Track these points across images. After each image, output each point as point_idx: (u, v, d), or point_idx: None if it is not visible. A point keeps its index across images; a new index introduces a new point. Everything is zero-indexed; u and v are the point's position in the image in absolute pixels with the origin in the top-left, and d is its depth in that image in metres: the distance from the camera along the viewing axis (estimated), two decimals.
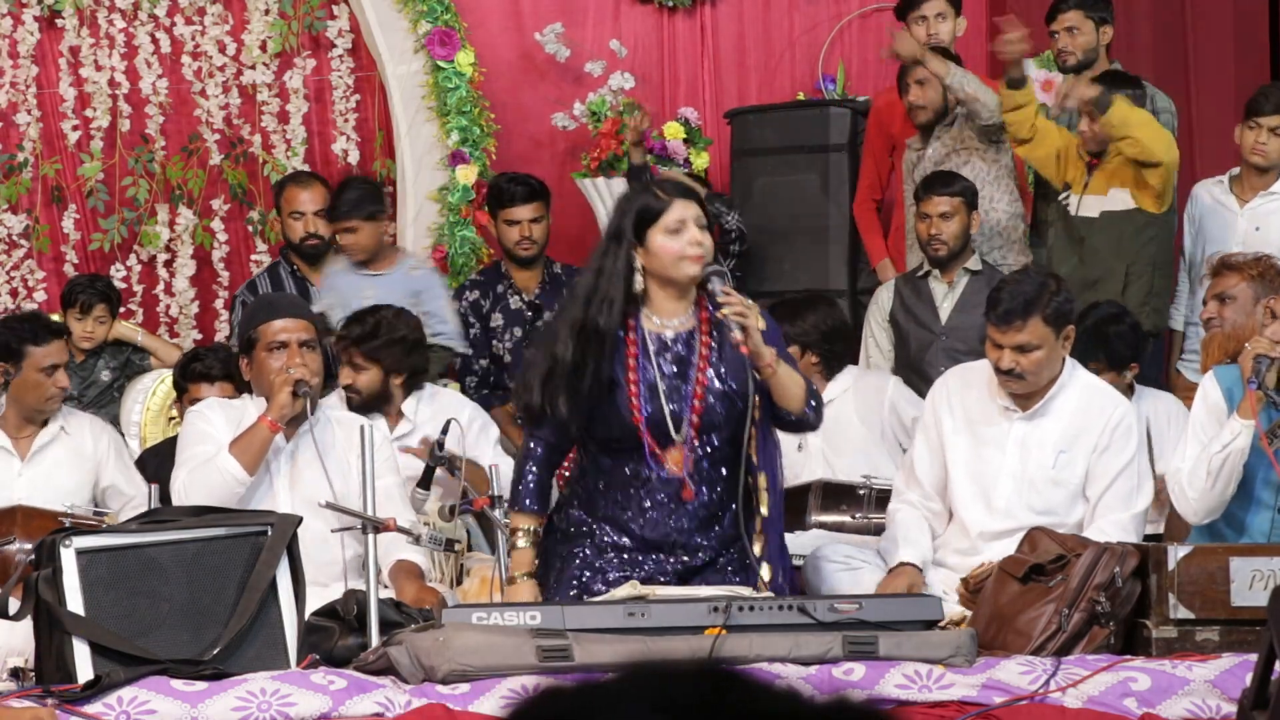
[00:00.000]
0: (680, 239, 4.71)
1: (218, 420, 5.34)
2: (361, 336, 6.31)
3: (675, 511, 4.81)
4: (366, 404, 6.26)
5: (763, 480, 4.82)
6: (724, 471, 4.83)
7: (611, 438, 4.81)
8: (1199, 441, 5.13)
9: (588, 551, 4.86)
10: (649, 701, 1.36)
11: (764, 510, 4.81)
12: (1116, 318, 6.22)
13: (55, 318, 7.42)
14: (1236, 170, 7.01)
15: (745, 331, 4.63)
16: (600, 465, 4.87)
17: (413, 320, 6.50)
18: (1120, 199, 6.82)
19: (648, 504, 4.82)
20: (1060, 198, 6.99)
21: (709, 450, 4.81)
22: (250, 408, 5.36)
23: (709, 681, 1.39)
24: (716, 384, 4.79)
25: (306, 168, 8.34)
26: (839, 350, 6.56)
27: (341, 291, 7.15)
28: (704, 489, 4.81)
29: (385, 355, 6.32)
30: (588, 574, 4.83)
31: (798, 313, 6.53)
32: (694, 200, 4.74)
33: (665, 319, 4.83)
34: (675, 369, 4.80)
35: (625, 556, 4.82)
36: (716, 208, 7.61)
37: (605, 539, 4.85)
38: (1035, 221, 7.33)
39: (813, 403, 4.82)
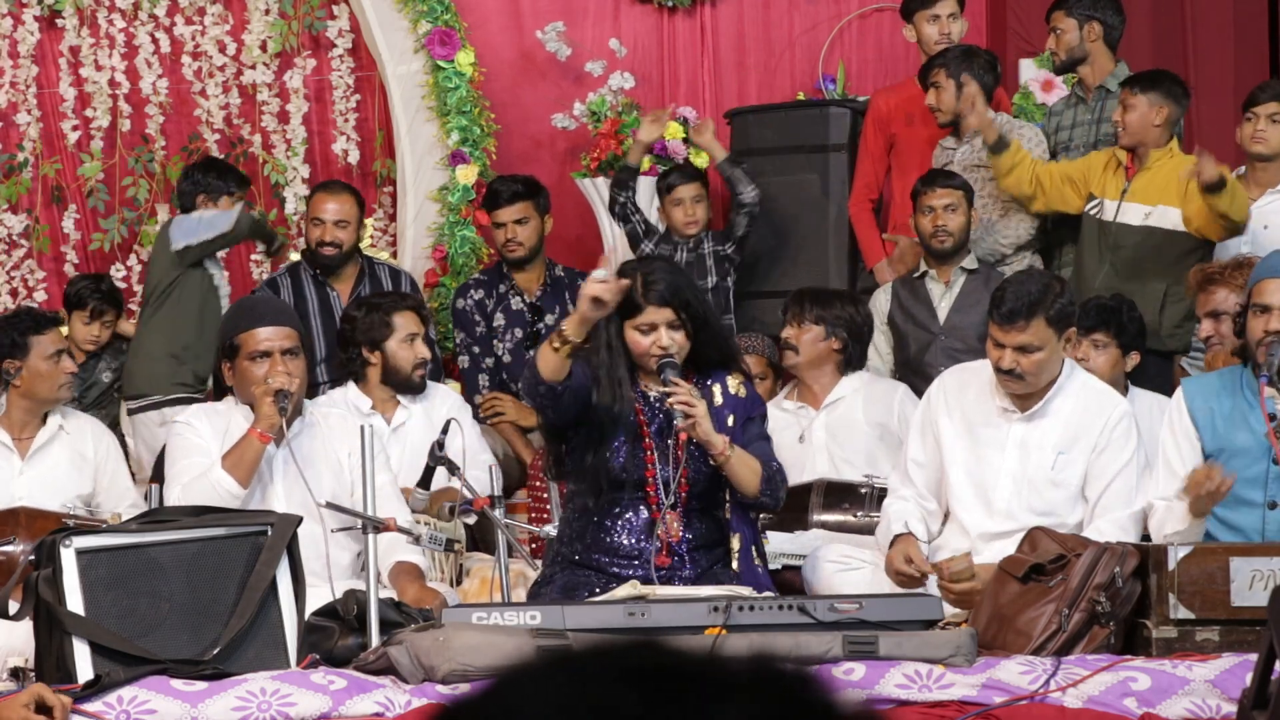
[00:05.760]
0: (647, 339, 4.94)
1: (205, 430, 5.33)
2: (422, 306, 6.55)
3: (646, 566, 4.96)
4: (432, 375, 6.51)
5: (736, 540, 5.01)
6: (699, 526, 5.01)
7: (606, 487, 4.97)
8: (1171, 472, 5.15)
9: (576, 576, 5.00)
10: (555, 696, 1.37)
11: (734, 566, 5.00)
12: (1130, 306, 6.26)
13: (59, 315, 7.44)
14: (1243, 169, 7.01)
15: (691, 421, 4.81)
16: (584, 509, 5.03)
17: None
18: (1169, 217, 6.75)
19: (619, 552, 4.97)
20: (1089, 208, 6.95)
21: (687, 506, 5.00)
22: (235, 413, 5.35)
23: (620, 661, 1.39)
24: (693, 447, 4.97)
25: (307, 168, 8.37)
26: (859, 349, 6.58)
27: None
28: (685, 534, 4.99)
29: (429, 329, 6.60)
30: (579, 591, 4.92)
31: (833, 297, 6.67)
32: (671, 306, 4.93)
33: (650, 383, 5.02)
34: (660, 431, 5.00)
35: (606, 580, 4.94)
36: (736, 173, 7.54)
37: (586, 574, 4.97)
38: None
39: (767, 487, 4.97)
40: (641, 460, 4.96)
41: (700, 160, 8.06)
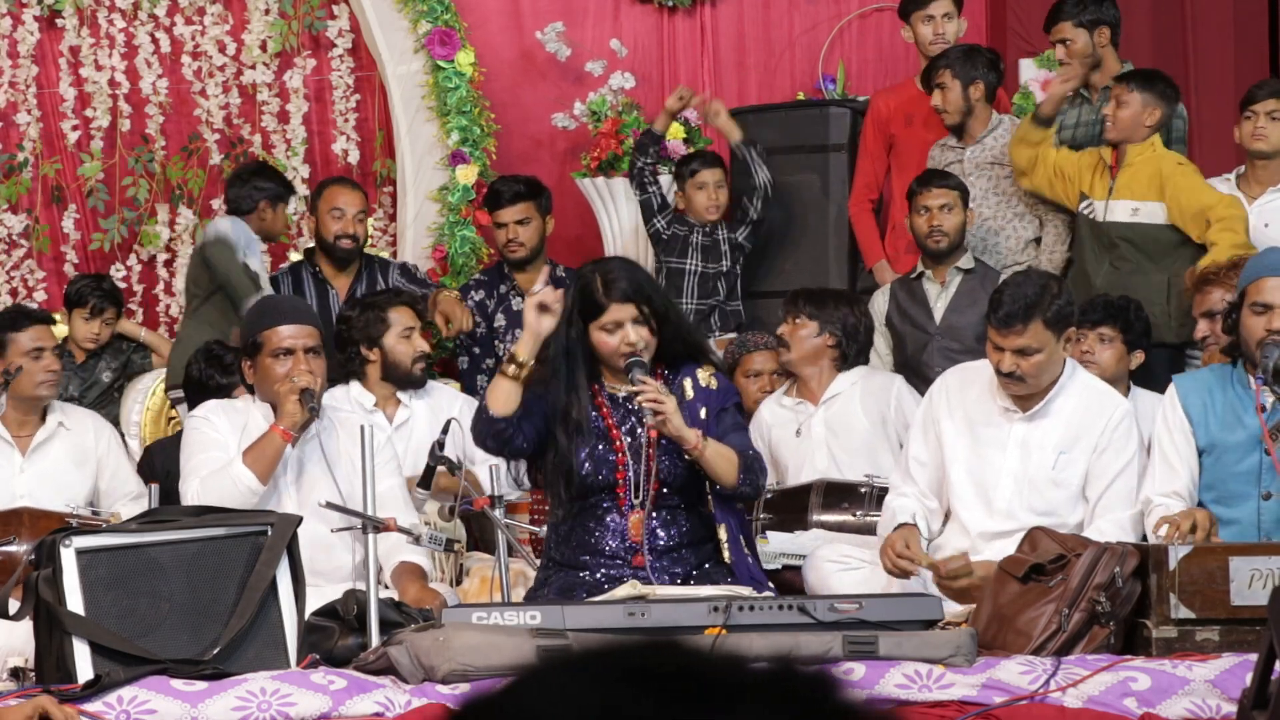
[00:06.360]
0: (614, 338, 4.91)
1: (222, 425, 5.31)
2: (417, 300, 6.59)
3: (632, 567, 4.94)
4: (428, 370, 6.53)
5: (723, 531, 4.99)
6: (685, 524, 4.98)
7: (576, 490, 4.95)
8: (1168, 467, 5.16)
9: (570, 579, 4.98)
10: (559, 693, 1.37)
11: (726, 558, 4.97)
12: (1138, 306, 6.28)
13: (58, 317, 7.45)
14: (1243, 168, 7.01)
15: (662, 418, 4.79)
16: (566, 513, 5.01)
17: None
18: (1153, 211, 6.77)
19: (605, 554, 4.95)
20: (1082, 208, 6.96)
21: (669, 504, 4.97)
22: (254, 410, 5.33)
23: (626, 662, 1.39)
24: (664, 444, 4.94)
25: (307, 168, 8.36)
26: (855, 347, 6.60)
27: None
28: (662, 532, 4.97)
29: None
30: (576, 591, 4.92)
31: (829, 297, 6.69)
32: (634, 302, 4.90)
33: (618, 384, 4.99)
34: (631, 431, 4.97)
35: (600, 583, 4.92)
36: (751, 154, 7.51)
37: (580, 575, 4.96)
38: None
39: (746, 476, 4.94)
40: (613, 462, 4.94)
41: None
